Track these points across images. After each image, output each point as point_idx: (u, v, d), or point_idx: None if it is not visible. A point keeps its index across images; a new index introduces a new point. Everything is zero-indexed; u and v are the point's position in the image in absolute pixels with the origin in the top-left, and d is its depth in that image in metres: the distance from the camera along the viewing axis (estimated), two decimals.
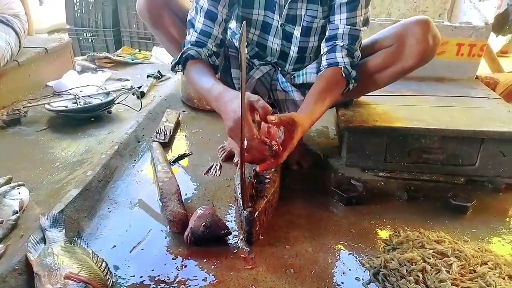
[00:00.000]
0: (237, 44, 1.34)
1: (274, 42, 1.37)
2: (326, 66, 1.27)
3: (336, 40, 1.26)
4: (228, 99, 1.06)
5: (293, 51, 1.37)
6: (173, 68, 1.30)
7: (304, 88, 1.38)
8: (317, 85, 1.24)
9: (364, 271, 1.03)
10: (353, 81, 1.27)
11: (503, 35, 3.17)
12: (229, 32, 1.41)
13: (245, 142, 0.99)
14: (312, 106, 1.18)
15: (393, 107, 1.57)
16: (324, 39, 1.30)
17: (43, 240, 1.03)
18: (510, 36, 3.56)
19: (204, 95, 1.20)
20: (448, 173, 1.45)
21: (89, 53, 2.93)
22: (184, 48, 1.26)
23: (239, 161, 1.16)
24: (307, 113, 1.15)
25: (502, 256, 1.04)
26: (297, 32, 1.33)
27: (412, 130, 1.40)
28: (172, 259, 1.05)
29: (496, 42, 3.25)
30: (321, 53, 1.31)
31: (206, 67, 1.24)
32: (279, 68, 1.44)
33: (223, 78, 1.43)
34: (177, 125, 1.88)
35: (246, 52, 1.40)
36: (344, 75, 1.24)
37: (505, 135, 1.36)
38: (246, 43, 1.41)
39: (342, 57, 1.24)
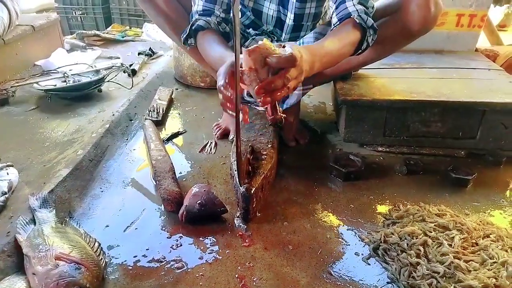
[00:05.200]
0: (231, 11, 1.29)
1: (270, 8, 1.32)
2: (338, 23, 1.11)
3: None
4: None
5: (289, 18, 1.31)
6: (185, 42, 1.27)
7: None
8: (326, 37, 1.08)
9: (364, 246, 1.01)
10: (371, 32, 1.10)
11: (499, 5, 3.11)
12: None
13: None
14: (316, 47, 1.01)
15: (392, 80, 1.52)
16: None
17: (33, 221, 0.99)
18: (507, 9, 3.51)
19: (215, 66, 1.08)
20: (448, 146, 1.42)
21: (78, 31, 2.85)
22: (193, 20, 1.23)
23: (234, 138, 1.12)
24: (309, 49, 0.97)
25: (504, 228, 1.02)
26: None
27: (411, 103, 1.36)
28: (167, 237, 1.03)
29: (494, 16, 3.19)
30: (331, 12, 1.18)
31: (217, 36, 1.20)
32: (275, 38, 1.38)
33: None
34: (170, 102, 1.83)
35: (240, 20, 1.35)
36: (358, 22, 1.07)
37: (507, 106, 1.32)
38: (240, 10, 1.36)
39: (354, 5, 1.10)
